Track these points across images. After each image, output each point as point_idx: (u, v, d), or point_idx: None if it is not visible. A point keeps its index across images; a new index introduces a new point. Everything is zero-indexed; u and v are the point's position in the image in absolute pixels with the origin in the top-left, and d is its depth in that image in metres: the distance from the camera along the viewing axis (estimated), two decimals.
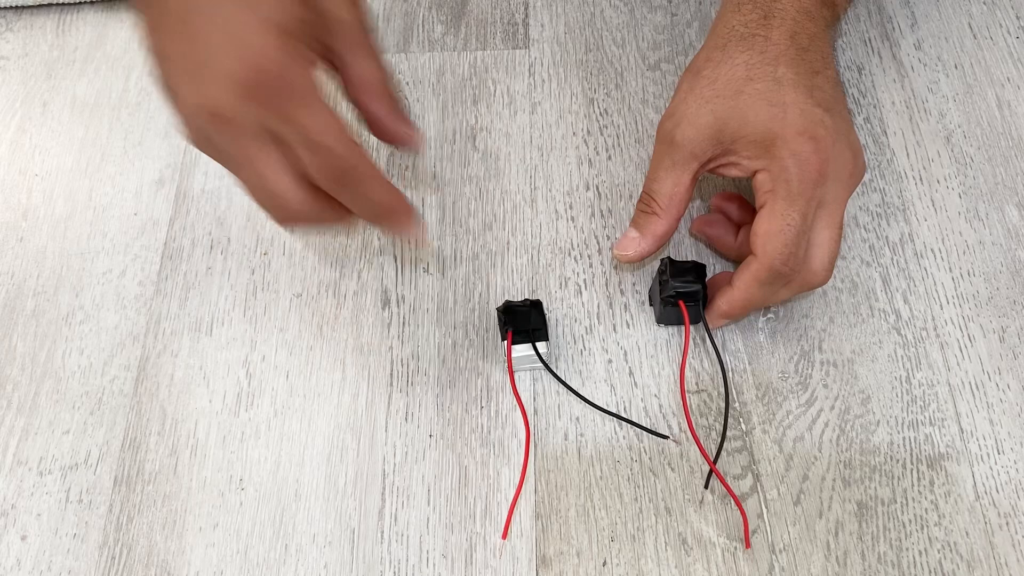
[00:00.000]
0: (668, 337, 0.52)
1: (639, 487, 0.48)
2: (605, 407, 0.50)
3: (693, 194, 0.50)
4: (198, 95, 0.35)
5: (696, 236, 0.55)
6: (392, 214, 0.40)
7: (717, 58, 0.48)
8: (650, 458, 0.49)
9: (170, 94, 0.37)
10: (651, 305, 0.53)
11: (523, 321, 0.50)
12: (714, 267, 0.54)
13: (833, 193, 0.46)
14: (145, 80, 0.65)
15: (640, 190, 0.57)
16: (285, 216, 0.39)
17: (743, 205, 0.53)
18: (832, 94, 0.48)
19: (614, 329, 0.53)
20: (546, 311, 0.52)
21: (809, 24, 0.48)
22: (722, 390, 0.50)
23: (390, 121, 0.41)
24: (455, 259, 0.56)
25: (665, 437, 0.49)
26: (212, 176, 0.60)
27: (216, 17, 0.35)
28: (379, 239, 0.57)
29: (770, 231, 0.45)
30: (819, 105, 0.46)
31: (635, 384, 0.51)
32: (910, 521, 0.47)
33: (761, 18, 0.48)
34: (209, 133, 0.36)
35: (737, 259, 0.52)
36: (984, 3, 0.65)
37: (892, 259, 0.54)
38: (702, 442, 0.48)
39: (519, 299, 0.52)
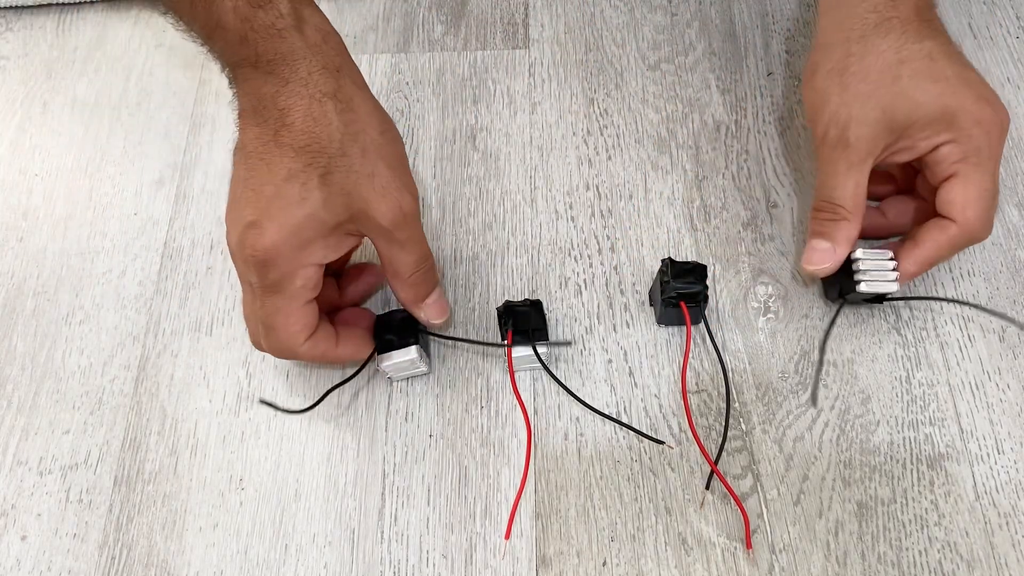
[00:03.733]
0: (668, 337, 0.52)
1: (639, 487, 0.48)
2: (605, 408, 0.50)
3: None
4: (229, 232, 0.44)
5: None
6: None
7: (859, 51, 0.48)
8: (650, 458, 0.49)
9: (227, 203, 0.45)
10: (651, 305, 0.53)
11: (523, 321, 0.50)
12: (714, 267, 0.54)
13: (1002, 147, 0.47)
14: (145, 80, 0.65)
15: (640, 190, 0.57)
16: (249, 336, 0.48)
17: (884, 180, 0.53)
18: (962, 54, 0.49)
19: (614, 329, 0.53)
20: (546, 311, 0.52)
21: None
22: (722, 390, 0.50)
23: (409, 306, 0.49)
24: (455, 259, 0.56)
25: (660, 442, 0.49)
26: (212, 176, 0.60)
27: (268, 189, 0.43)
28: None
29: (968, 199, 0.46)
30: (968, 67, 0.47)
31: (635, 384, 0.51)
32: (910, 521, 0.47)
33: (888, 0, 0.48)
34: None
35: (890, 234, 0.53)
36: (984, 3, 0.65)
37: None
38: (702, 442, 0.48)
39: (519, 299, 0.52)
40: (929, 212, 0.49)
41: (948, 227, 0.47)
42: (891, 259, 0.49)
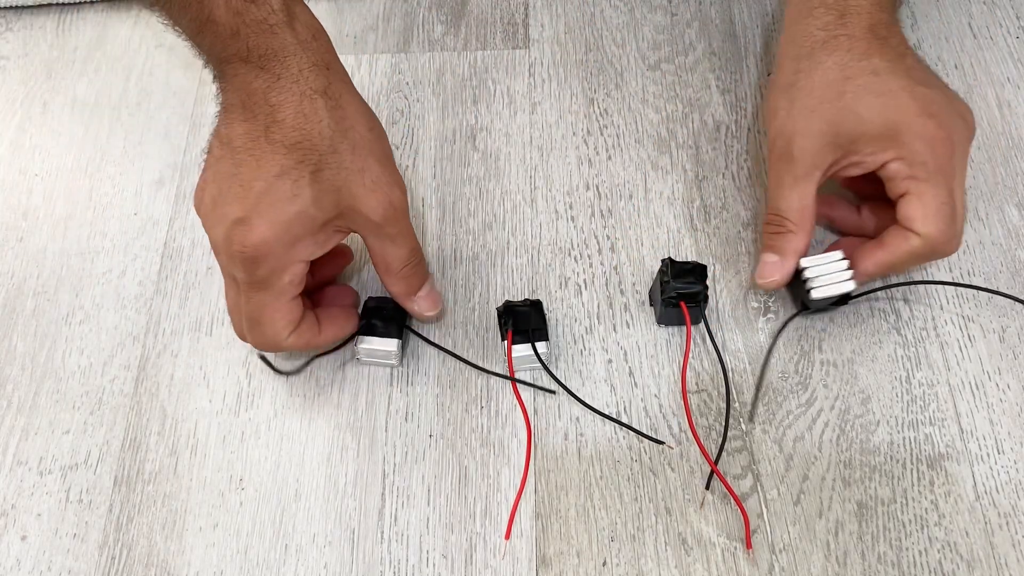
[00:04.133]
0: (668, 337, 0.52)
1: (639, 487, 0.48)
2: (605, 408, 0.50)
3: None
4: (212, 228, 0.44)
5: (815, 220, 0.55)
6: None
7: (806, 67, 0.48)
8: (650, 458, 0.49)
9: (202, 197, 0.45)
10: (651, 305, 0.53)
11: (523, 321, 0.50)
12: (714, 267, 0.54)
13: (959, 161, 0.47)
14: (145, 80, 0.65)
15: (640, 190, 0.58)
16: (233, 328, 0.49)
17: (870, 182, 0.53)
18: (925, 70, 0.49)
19: (614, 329, 0.53)
20: (546, 311, 0.52)
21: (882, 15, 0.49)
22: (722, 390, 0.50)
23: (402, 300, 0.50)
24: (455, 259, 0.56)
25: (660, 443, 0.49)
26: None
27: (257, 185, 0.42)
28: None
29: (927, 214, 0.46)
30: (921, 84, 0.47)
31: (635, 384, 0.51)
32: (910, 521, 0.47)
33: (838, 18, 0.48)
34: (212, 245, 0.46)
35: (861, 234, 0.53)
36: (984, 3, 0.65)
37: None
38: (702, 442, 0.48)
39: (519, 299, 0.52)
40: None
41: (912, 239, 0.47)
42: (842, 259, 0.49)
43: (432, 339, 0.53)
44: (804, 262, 0.49)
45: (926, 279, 0.53)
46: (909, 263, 0.49)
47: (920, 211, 0.46)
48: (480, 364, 0.51)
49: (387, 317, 0.51)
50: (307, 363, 0.51)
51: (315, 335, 0.48)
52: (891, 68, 0.47)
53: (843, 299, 0.50)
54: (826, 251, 0.50)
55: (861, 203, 0.53)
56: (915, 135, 0.46)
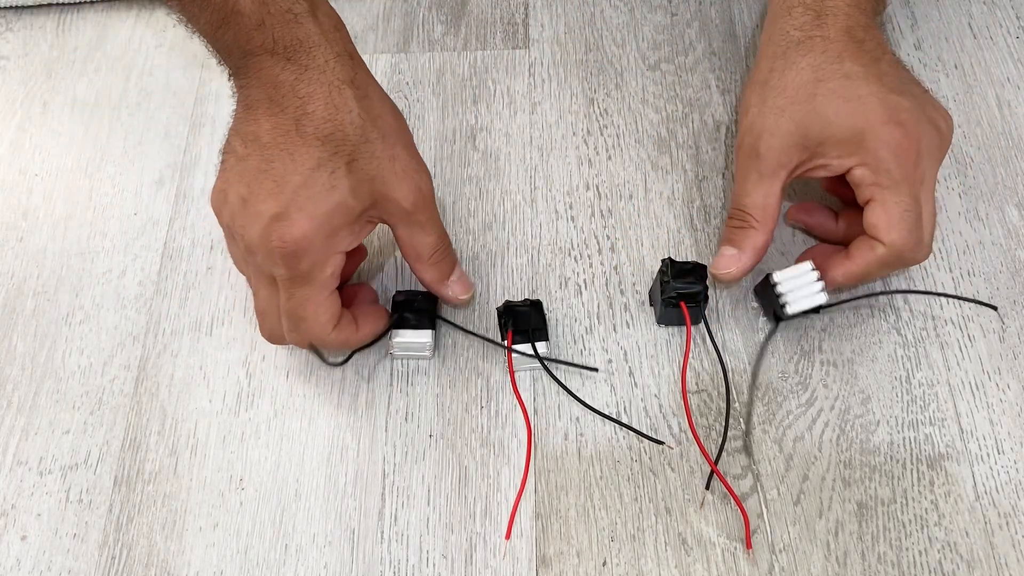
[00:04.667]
0: (668, 337, 0.52)
1: (639, 487, 0.48)
2: (605, 408, 0.50)
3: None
4: (245, 227, 0.43)
5: (792, 225, 0.55)
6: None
7: (780, 66, 0.48)
8: (650, 458, 0.49)
9: (225, 198, 0.44)
10: (651, 305, 0.53)
11: (523, 321, 0.50)
12: None
13: (928, 169, 0.47)
14: (145, 80, 0.65)
15: (640, 190, 0.58)
16: (262, 331, 0.49)
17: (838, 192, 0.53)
18: (899, 76, 0.48)
19: (614, 329, 0.53)
20: (546, 311, 0.52)
21: (861, 17, 0.49)
22: (722, 390, 0.50)
23: (434, 286, 0.50)
24: None
25: (660, 443, 0.49)
26: (212, 176, 0.59)
27: (294, 179, 0.42)
28: (378, 238, 0.57)
29: (891, 221, 0.46)
30: (893, 91, 0.47)
31: (635, 384, 0.51)
32: (910, 521, 0.47)
33: (814, 18, 0.48)
34: (235, 247, 0.46)
35: (836, 240, 0.53)
36: (984, 3, 0.65)
37: None
38: (702, 442, 0.48)
39: (519, 299, 0.52)
40: None
41: (877, 247, 0.47)
42: (812, 270, 0.49)
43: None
44: (777, 276, 0.49)
45: (900, 289, 0.53)
46: (877, 272, 0.49)
47: (884, 219, 0.46)
48: (500, 342, 0.51)
49: (418, 309, 0.51)
50: (350, 355, 0.51)
51: (353, 332, 0.48)
52: (864, 73, 0.47)
53: (816, 308, 0.50)
54: (797, 261, 0.50)
55: (844, 209, 0.53)
56: (881, 142, 0.46)
